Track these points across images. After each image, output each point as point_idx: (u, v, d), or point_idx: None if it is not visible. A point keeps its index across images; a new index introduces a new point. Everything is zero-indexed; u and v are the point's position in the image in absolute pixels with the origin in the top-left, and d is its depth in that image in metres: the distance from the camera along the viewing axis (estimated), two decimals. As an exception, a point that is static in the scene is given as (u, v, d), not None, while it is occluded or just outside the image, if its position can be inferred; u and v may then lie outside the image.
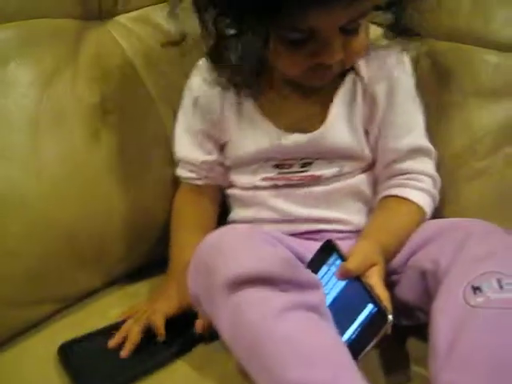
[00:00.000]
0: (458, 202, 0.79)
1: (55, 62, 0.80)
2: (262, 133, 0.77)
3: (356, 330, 0.61)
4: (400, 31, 0.75)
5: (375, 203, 0.77)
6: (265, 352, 0.58)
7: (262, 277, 0.60)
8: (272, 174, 0.77)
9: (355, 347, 0.60)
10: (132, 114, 0.85)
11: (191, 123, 0.80)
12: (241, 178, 0.80)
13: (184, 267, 0.70)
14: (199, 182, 0.82)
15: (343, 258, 0.66)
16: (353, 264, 0.65)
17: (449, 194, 0.78)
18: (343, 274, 0.65)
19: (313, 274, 0.66)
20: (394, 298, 0.63)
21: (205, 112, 0.79)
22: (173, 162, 0.84)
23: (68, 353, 0.72)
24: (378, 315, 0.60)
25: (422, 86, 0.79)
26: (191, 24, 0.74)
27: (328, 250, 0.69)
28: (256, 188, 0.79)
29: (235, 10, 0.66)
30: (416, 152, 0.76)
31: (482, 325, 0.58)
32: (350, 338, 0.61)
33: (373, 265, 0.65)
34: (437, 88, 0.82)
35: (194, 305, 0.69)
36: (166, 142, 0.86)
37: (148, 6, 0.90)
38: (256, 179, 0.78)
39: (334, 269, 0.67)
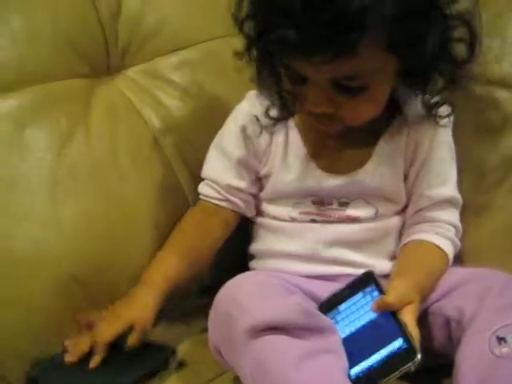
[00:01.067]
0: (468, 237, 0.81)
1: (69, 123, 0.82)
2: (305, 171, 0.78)
3: (378, 361, 0.63)
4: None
5: (400, 245, 0.79)
6: None
7: (279, 325, 0.62)
8: (310, 209, 0.79)
9: (372, 377, 0.63)
10: (143, 164, 0.86)
11: (232, 149, 0.80)
12: (278, 210, 0.80)
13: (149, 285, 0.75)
14: (219, 203, 0.81)
15: (382, 291, 0.68)
16: (392, 299, 0.66)
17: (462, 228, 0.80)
18: (381, 307, 0.66)
19: (327, 319, 0.68)
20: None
21: (250, 142, 0.80)
22: (185, 204, 0.86)
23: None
24: (407, 351, 0.62)
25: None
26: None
27: (367, 279, 0.71)
28: (293, 220, 0.79)
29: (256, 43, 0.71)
30: (446, 203, 0.78)
31: (506, 375, 0.60)
32: (369, 367, 0.63)
33: (410, 302, 0.66)
34: None
35: (214, 354, 0.71)
36: (177, 187, 0.88)
37: (154, 58, 0.91)
38: (294, 212, 0.79)
39: (369, 298, 0.68)
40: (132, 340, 0.72)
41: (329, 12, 0.60)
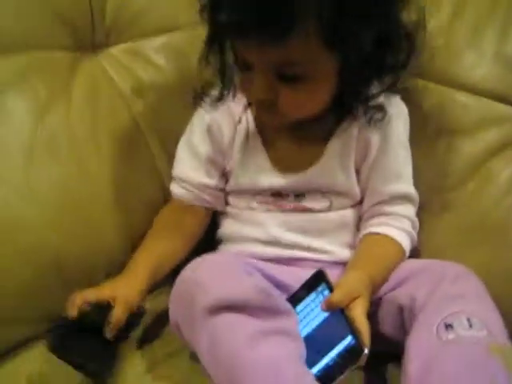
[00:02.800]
0: (432, 233, 0.84)
1: (50, 93, 0.83)
2: (262, 170, 0.81)
3: (332, 358, 0.65)
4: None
5: (358, 238, 0.81)
6: (239, 377, 0.62)
7: (236, 304, 0.64)
8: (268, 199, 0.82)
9: (329, 375, 0.64)
10: (121, 143, 0.87)
11: (199, 148, 0.83)
12: (238, 201, 0.84)
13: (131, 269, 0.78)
14: (192, 202, 0.84)
15: (331, 289, 0.69)
16: (336, 297, 0.68)
17: (424, 226, 0.83)
18: (328, 306, 0.68)
19: (285, 301, 0.70)
20: (371, 328, 0.67)
21: (215, 140, 0.82)
22: (161, 187, 0.88)
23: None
24: (355, 347, 0.64)
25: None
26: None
27: (318, 278, 0.72)
28: (251, 209, 0.83)
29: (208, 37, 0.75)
30: (401, 198, 0.80)
31: (452, 358, 0.63)
32: (326, 365, 0.65)
33: (357, 296, 0.68)
34: (413, 125, 0.85)
35: (174, 331, 0.72)
36: (153, 168, 0.89)
37: (139, 38, 0.92)
38: (252, 203, 0.82)
39: (321, 297, 0.70)
40: (112, 317, 0.72)
41: None
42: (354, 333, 0.65)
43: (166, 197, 0.88)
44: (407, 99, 0.86)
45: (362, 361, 0.64)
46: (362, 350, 0.63)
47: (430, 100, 0.87)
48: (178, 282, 0.71)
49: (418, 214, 0.82)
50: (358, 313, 0.66)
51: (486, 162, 0.83)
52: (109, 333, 0.72)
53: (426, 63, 0.87)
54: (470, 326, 0.64)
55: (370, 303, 0.69)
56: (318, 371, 0.65)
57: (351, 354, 0.64)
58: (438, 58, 0.87)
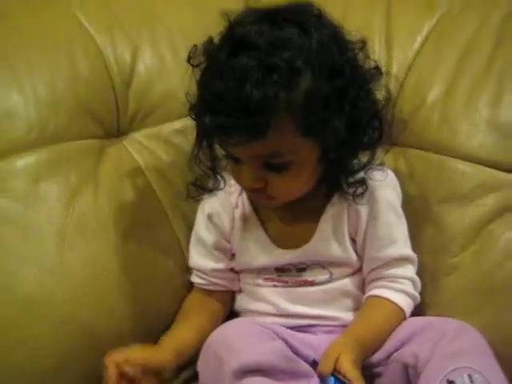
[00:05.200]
0: (438, 295, 0.88)
1: (79, 178, 0.90)
2: (262, 248, 0.87)
3: None
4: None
5: (362, 302, 0.86)
6: None
7: (262, 368, 0.70)
8: (272, 275, 0.87)
9: None
10: (145, 222, 0.94)
11: (204, 236, 0.90)
12: (245, 278, 0.90)
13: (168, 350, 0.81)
14: (209, 287, 0.91)
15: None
16: (320, 367, 0.74)
17: (430, 288, 0.87)
18: (319, 377, 0.74)
19: (306, 365, 0.75)
20: None
21: (217, 227, 0.89)
22: (182, 267, 0.93)
23: None
24: None
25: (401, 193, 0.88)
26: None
27: None
28: (258, 285, 0.88)
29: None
30: (398, 260, 0.84)
31: None
32: None
33: (339, 355, 0.72)
34: (414, 193, 0.91)
35: None
36: (176, 246, 0.95)
37: (159, 123, 0.99)
38: (259, 279, 0.88)
39: None
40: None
41: (238, 100, 0.70)
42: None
43: (188, 272, 0.93)
44: (409, 169, 0.93)
45: None
46: None
47: (431, 169, 0.92)
48: (206, 346, 0.76)
49: (423, 275, 0.86)
50: (345, 365, 0.71)
51: (486, 225, 0.87)
52: None
53: (424, 134, 0.93)
54: (471, 381, 0.68)
55: (378, 363, 0.75)
56: None
57: None
58: (435, 129, 0.93)
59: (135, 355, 0.78)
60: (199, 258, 0.91)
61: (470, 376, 0.69)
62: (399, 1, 1.05)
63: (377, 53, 0.99)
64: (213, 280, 0.90)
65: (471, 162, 0.90)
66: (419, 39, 0.99)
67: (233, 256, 0.90)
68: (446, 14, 1.00)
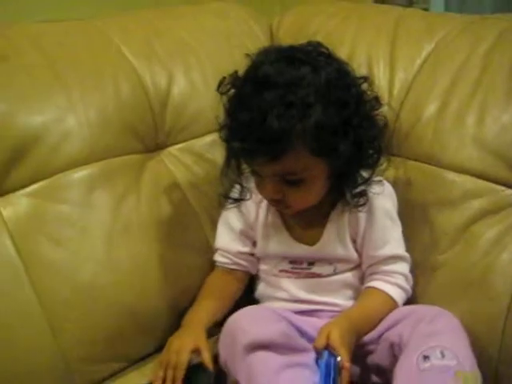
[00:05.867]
0: (428, 287, 1.01)
1: (124, 188, 1.04)
2: (281, 240, 1.01)
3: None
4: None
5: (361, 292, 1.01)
6: None
7: (265, 343, 0.85)
8: (287, 267, 1.02)
9: None
10: (179, 226, 1.09)
11: (233, 223, 1.05)
12: (265, 267, 1.05)
13: (195, 324, 0.95)
14: (232, 267, 1.05)
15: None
16: (315, 343, 0.87)
17: (421, 281, 1.01)
18: (314, 349, 0.87)
19: (305, 342, 0.89)
20: (371, 363, 0.87)
21: (244, 216, 1.04)
22: (208, 262, 1.08)
23: None
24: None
25: (400, 199, 1.02)
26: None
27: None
28: (275, 276, 1.04)
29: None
30: (392, 258, 0.98)
31: (426, 383, 0.81)
32: None
33: (330, 331, 0.86)
34: (411, 199, 1.05)
35: (223, 368, 0.92)
36: (205, 246, 1.10)
37: (192, 138, 1.13)
38: (275, 270, 1.03)
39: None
40: (206, 360, 0.90)
41: (262, 130, 0.84)
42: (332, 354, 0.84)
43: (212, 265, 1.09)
44: (407, 178, 1.06)
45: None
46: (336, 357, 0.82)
47: (425, 178, 1.05)
48: (224, 328, 0.92)
49: (414, 271, 0.99)
50: (332, 336, 0.85)
51: (470, 226, 0.99)
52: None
53: (420, 148, 1.07)
54: (443, 356, 0.82)
55: (370, 342, 0.90)
56: None
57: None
58: (429, 144, 1.06)
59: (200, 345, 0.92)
60: (228, 241, 1.05)
61: (441, 352, 0.82)
62: (403, 27, 1.18)
63: (381, 74, 1.14)
64: (236, 260, 1.05)
65: (459, 172, 1.02)
66: (418, 62, 1.13)
67: (254, 243, 1.04)
68: (444, 38, 1.13)
